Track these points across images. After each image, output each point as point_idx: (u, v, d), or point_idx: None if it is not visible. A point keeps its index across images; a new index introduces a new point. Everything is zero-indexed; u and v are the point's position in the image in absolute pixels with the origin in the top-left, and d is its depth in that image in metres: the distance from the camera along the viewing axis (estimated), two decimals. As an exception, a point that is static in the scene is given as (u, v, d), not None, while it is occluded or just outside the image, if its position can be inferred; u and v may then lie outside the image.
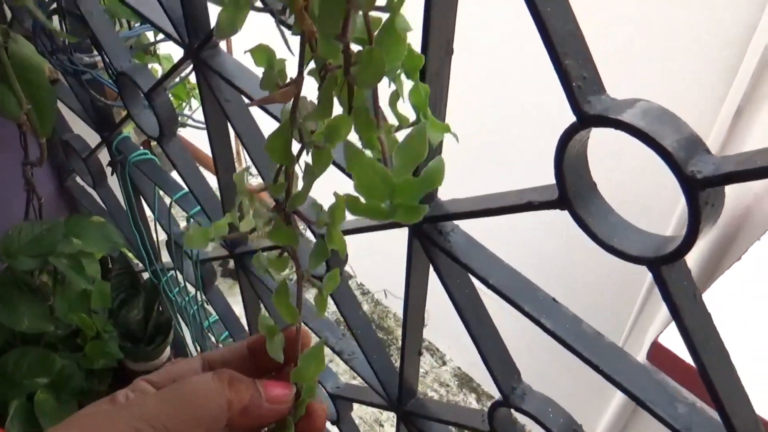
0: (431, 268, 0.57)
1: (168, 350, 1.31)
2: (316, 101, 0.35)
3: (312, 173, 0.37)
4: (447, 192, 0.52)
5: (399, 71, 0.30)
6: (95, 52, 0.89)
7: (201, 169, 1.55)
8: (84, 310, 1.25)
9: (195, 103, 1.25)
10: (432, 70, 0.44)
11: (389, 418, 1.93)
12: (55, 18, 0.86)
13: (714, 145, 1.59)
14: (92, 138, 1.12)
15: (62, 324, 1.25)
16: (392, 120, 0.33)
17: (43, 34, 0.87)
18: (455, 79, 0.47)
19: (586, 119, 0.37)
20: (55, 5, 0.84)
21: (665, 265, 0.38)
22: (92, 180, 1.12)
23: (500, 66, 1.77)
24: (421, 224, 0.53)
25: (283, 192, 0.39)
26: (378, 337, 0.74)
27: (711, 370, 0.39)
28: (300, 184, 0.40)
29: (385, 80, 0.31)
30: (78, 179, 1.28)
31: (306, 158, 0.37)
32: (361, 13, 0.28)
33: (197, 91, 1.05)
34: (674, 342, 1.67)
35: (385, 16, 0.29)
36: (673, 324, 1.62)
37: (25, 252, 1.10)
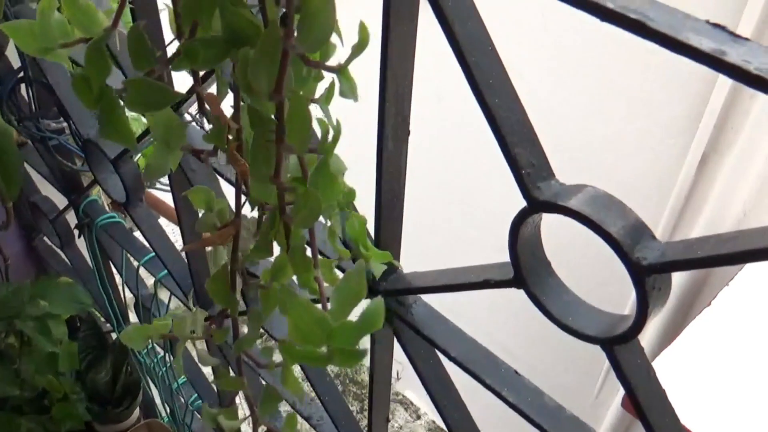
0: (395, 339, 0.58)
1: (137, 411, 1.29)
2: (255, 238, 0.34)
3: (258, 317, 0.36)
4: (407, 262, 0.53)
5: (335, 209, 0.30)
6: (62, 119, 0.89)
7: (170, 225, 1.55)
8: (51, 372, 1.23)
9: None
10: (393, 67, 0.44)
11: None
12: (23, 86, 0.87)
13: (681, 193, 1.62)
14: (60, 199, 1.11)
15: (28, 386, 1.23)
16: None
17: (10, 101, 0.87)
18: (412, 154, 0.48)
19: (535, 205, 0.37)
20: (21, 74, 0.85)
21: (618, 345, 0.38)
22: (60, 241, 1.11)
23: (456, 145, 1.80)
24: (384, 296, 0.54)
25: (223, 339, 0.38)
26: (346, 404, 0.73)
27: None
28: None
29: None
30: (46, 239, 1.27)
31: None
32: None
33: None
34: (663, 372, 1.68)
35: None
36: (662, 354, 1.61)
37: (-10, 315, 1.09)
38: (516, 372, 0.50)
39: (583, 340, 0.40)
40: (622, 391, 2.00)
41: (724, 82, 1.37)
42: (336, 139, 0.27)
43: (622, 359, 0.39)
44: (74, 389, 1.23)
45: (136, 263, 0.97)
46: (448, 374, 0.57)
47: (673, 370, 1.62)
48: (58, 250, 1.26)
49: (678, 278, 1.88)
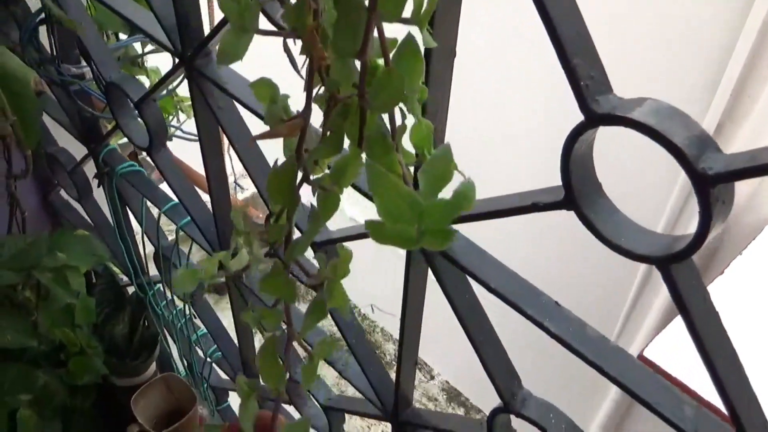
0: (429, 277, 0.57)
1: (153, 366, 1.29)
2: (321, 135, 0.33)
3: (317, 219, 0.34)
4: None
5: (416, 95, 0.28)
6: (83, 63, 0.88)
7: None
8: (68, 326, 1.23)
9: (182, 116, 1.25)
10: (435, 73, 0.44)
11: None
12: (43, 29, 0.86)
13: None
14: (77, 151, 1.10)
15: (45, 339, 1.23)
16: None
17: (31, 45, 0.86)
18: (457, 80, 0.47)
19: (594, 118, 0.37)
20: (42, 15, 0.83)
21: (675, 264, 0.38)
22: (77, 193, 1.11)
23: (503, 68, 1.77)
24: (422, 229, 0.53)
25: (282, 236, 0.36)
26: (372, 348, 0.73)
27: (719, 367, 0.39)
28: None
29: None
30: (62, 193, 1.27)
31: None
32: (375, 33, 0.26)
33: (185, 104, 1.04)
34: (659, 355, 1.68)
35: (397, 36, 0.27)
36: (657, 338, 1.63)
37: (8, 266, 1.09)
38: (557, 303, 0.49)
39: (636, 260, 0.39)
40: (637, 346, 2.01)
41: (743, 50, 1.36)
42: (431, 7, 0.25)
43: (678, 279, 0.38)
44: (91, 343, 1.23)
45: (156, 213, 0.96)
46: (484, 309, 0.56)
47: (685, 340, 1.61)
48: (75, 204, 1.26)
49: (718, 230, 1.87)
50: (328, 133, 0.31)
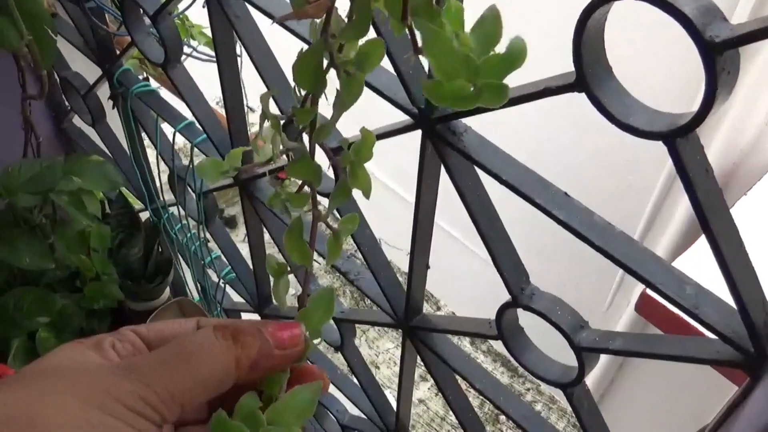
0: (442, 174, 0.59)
1: (167, 291, 1.32)
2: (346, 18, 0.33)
3: (342, 103, 0.35)
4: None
5: None
6: (97, -20, 0.89)
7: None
8: (83, 252, 1.26)
9: (194, 43, 1.26)
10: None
11: (389, 346, 1.94)
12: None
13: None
14: (91, 76, 1.11)
15: (61, 266, 1.26)
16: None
17: (46, -40, 0.86)
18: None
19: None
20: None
21: (680, 138, 0.39)
22: (91, 118, 1.12)
23: None
24: (434, 125, 0.55)
25: (309, 119, 0.36)
26: (385, 256, 0.75)
27: (720, 240, 0.41)
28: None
29: None
30: (75, 121, 1.28)
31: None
32: None
33: (196, 30, 1.05)
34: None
35: None
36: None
37: (25, 189, 1.11)
38: (566, 194, 0.51)
39: (644, 138, 0.41)
40: (635, 297, 2.04)
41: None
42: None
43: (683, 153, 0.40)
44: (106, 269, 1.26)
45: (169, 137, 0.98)
46: (494, 207, 0.58)
47: (700, 266, 1.64)
48: (88, 132, 1.27)
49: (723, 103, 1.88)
50: (354, 16, 0.32)
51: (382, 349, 1.51)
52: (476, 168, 0.56)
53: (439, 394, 1.50)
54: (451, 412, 1.45)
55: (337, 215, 0.58)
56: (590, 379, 2.15)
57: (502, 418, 1.43)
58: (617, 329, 1.83)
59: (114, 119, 1.20)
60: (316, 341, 0.40)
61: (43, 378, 0.32)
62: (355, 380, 1.02)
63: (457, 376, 0.76)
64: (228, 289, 1.18)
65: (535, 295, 0.58)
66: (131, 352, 0.36)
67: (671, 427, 1.76)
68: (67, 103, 1.20)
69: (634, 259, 0.48)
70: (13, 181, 1.10)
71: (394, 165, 2.13)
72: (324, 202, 0.41)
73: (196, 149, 0.92)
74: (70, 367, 0.33)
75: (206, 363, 0.34)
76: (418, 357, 0.79)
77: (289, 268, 0.41)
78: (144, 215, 1.26)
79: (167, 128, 1.02)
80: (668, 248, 1.97)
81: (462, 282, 2.08)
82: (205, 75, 1.03)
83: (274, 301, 1.08)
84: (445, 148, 0.55)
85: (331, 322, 0.90)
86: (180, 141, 0.97)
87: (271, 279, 0.42)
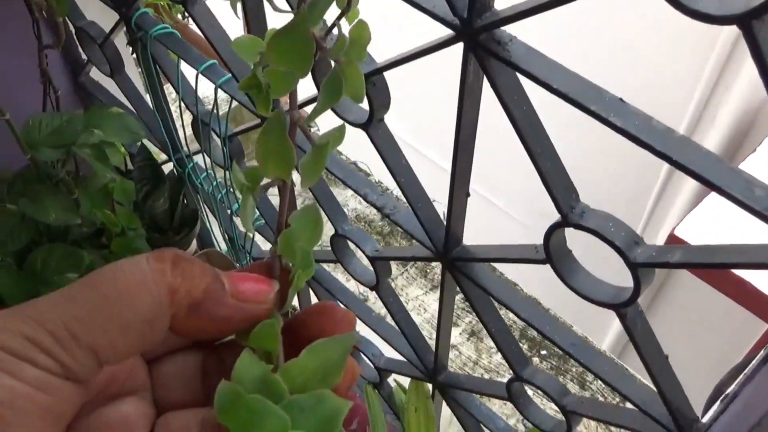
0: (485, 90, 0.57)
1: (194, 243, 1.31)
2: None
3: None
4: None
5: None
6: None
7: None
8: (107, 207, 1.25)
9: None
10: None
11: (419, 293, 1.94)
12: None
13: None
14: (107, 24, 1.09)
15: (86, 221, 1.25)
16: None
17: None
18: None
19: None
20: None
21: (756, 20, 0.37)
22: (110, 68, 1.10)
23: None
24: (477, 36, 0.52)
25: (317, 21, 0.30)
26: (422, 187, 0.73)
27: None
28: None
29: None
30: (92, 74, 1.26)
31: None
32: None
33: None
34: (689, 234, 1.69)
35: None
36: (688, 217, 1.63)
37: (47, 143, 1.09)
38: (621, 99, 0.49)
39: (717, 23, 0.38)
40: (662, 239, 2.01)
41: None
42: None
43: (760, 36, 0.37)
44: (132, 223, 1.25)
45: (193, 79, 0.95)
46: (541, 123, 0.56)
47: (715, 219, 1.62)
48: (106, 84, 1.26)
49: (726, 119, 1.85)
50: None
51: (411, 296, 1.50)
52: (522, 81, 0.53)
53: (471, 338, 1.49)
54: (483, 356, 1.45)
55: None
56: (615, 327, 2.14)
57: (544, 352, 1.42)
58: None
59: (131, 70, 1.18)
60: (307, 272, 0.32)
61: None
62: (391, 322, 1.01)
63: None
64: (257, 237, 1.17)
65: (586, 213, 0.56)
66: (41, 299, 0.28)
67: (699, 367, 1.75)
68: (83, 56, 1.18)
69: (697, 163, 0.46)
70: (34, 136, 1.09)
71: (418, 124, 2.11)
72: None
73: (220, 92, 0.90)
74: None
75: (126, 290, 0.25)
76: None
77: (263, 180, 0.33)
78: (167, 167, 1.24)
79: (189, 75, 0.99)
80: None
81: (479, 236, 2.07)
82: (224, 15, 1.00)
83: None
84: (489, 59, 0.53)
85: (366, 262, 0.89)
86: (202, 89, 0.95)
87: (239, 196, 0.34)
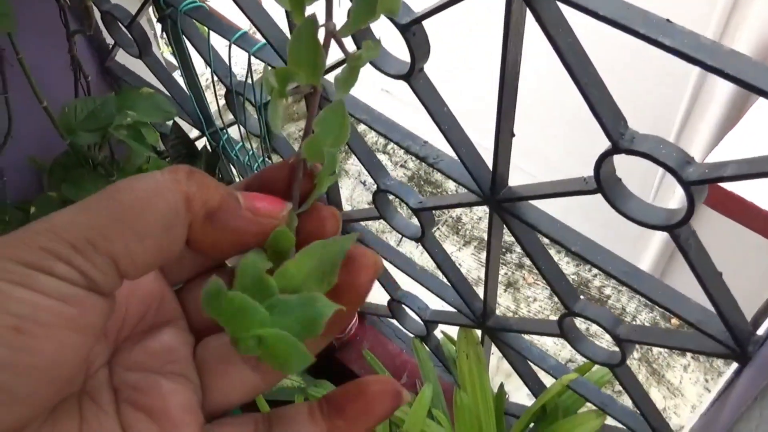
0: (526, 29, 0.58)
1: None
2: None
3: None
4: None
5: None
6: None
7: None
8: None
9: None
10: None
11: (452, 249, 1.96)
12: None
13: None
14: (131, 6, 1.11)
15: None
16: None
17: None
18: None
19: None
20: None
21: None
22: (138, 49, 1.11)
23: None
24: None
25: None
26: (465, 133, 0.75)
27: None
28: None
29: None
30: (118, 58, 1.28)
31: None
32: None
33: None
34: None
35: None
36: (716, 148, 1.63)
37: (83, 127, 1.12)
38: (668, 20, 0.50)
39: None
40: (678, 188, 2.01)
41: None
42: None
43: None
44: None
45: (226, 51, 0.97)
46: (587, 53, 0.57)
47: (744, 148, 1.63)
48: (132, 67, 1.27)
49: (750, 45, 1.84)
50: None
51: (445, 253, 1.53)
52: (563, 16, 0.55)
53: (508, 289, 1.51)
54: (522, 305, 1.47)
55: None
56: (646, 261, 2.14)
57: (593, 284, 1.44)
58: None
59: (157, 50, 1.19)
60: (331, 175, 0.31)
61: None
62: (436, 274, 1.04)
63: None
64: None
65: (636, 138, 0.58)
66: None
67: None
68: (109, 40, 1.20)
69: (748, 74, 0.47)
70: (71, 121, 1.11)
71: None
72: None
73: (255, 60, 0.91)
74: None
75: (142, 197, 0.25)
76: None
77: (292, 85, 0.31)
78: (199, 143, 1.26)
79: (218, 47, 1.01)
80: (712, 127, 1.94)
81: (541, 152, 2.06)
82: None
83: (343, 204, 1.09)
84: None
85: (409, 212, 0.91)
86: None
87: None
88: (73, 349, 0.24)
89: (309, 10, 0.30)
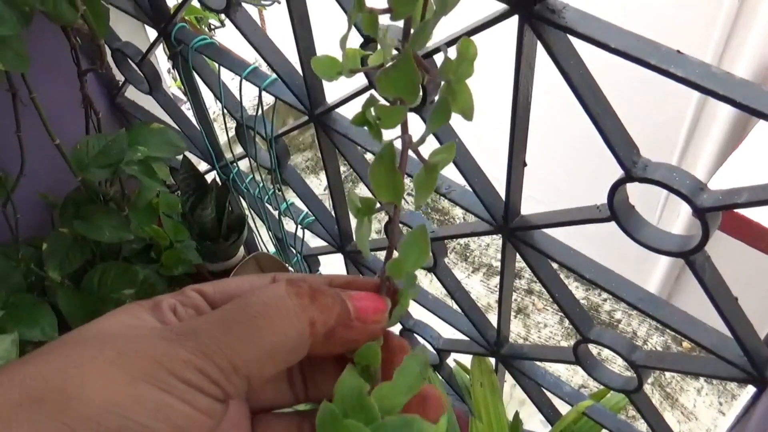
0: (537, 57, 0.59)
1: (242, 249, 1.34)
2: None
3: (444, 4, 0.30)
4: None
5: None
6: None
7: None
8: (154, 222, 1.28)
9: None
10: None
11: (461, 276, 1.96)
12: None
13: None
14: (141, 44, 1.12)
15: (136, 238, 1.28)
16: None
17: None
18: None
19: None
20: None
21: None
22: (148, 85, 1.13)
23: None
24: (532, 6, 0.54)
25: (410, 10, 0.30)
26: (477, 163, 0.76)
27: None
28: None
29: None
30: (127, 94, 1.29)
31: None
32: None
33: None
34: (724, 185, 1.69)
35: None
36: (719, 171, 1.63)
37: (95, 164, 1.13)
38: (678, 51, 0.51)
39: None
40: (683, 210, 2.02)
41: None
42: None
43: None
44: (179, 236, 1.28)
45: (234, 83, 0.98)
46: (598, 84, 0.58)
47: (745, 174, 1.63)
48: (142, 103, 1.29)
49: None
50: None
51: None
52: (573, 46, 0.56)
53: (518, 315, 1.51)
54: (532, 331, 1.47)
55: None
56: (652, 285, 2.14)
57: (603, 308, 1.44)
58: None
59: (165, 84, 1.20)
60: (413, 292, 0.34)
61: (85, 345, 0.26)
62: (448, 302, 1.04)
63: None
64: (306, 236, 1.20)
65: (649, 167, 0.58)
66: (193, 316, 0.31)
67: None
68: (119, 77, 1.22)
69: (761, 102, 0.48)
70: (83, 158, 1.12)
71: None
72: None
73: (264, 95, 0.92)
74: (119, 334, 0.27)
75: (275, 326, 0.28)
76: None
77: (376, 205, 0.35)
78: (209, 176, 1.27)
79: (227, 83, 1.03)
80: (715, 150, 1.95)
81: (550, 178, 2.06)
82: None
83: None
84: (545, 28, 0.55)
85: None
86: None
87: (353, 220, 0.36)
88: None
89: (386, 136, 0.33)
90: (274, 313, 0.28)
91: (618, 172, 0.59)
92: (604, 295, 1.76)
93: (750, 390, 0.73)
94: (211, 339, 0.27)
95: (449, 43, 0.33)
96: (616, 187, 0.61)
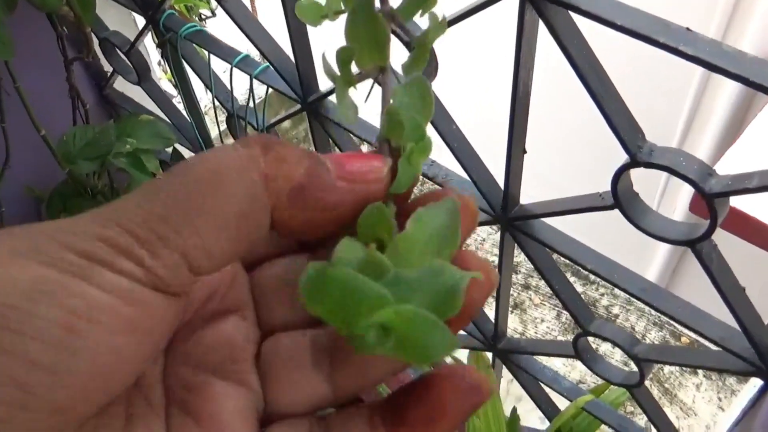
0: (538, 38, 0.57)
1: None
2: None
3: None
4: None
5: None
6: None
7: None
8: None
9: None
10: None
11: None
12: None
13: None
14: (129, 32, 1.10)
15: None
16: None
17: None
18: None
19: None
20: None
21: None
22: (137, 75, 1.10)
23: None
24: (535, -15, 0.52)
25: None
26: (475, 151, 0.73)
27: None
28: None
29: None
30: (116, 85, 1.27)
31: None
32: None
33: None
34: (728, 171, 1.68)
35: None
36: (722, 158, 1.61)
37: (82, 156, 1.10)
38: (687, 28, 0.49)
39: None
40: (679, 201, 2.00)
41: None
42: None
43: None
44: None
45: (225, 75, 0.96)
46: (603, 66, 0.56)
47: (748, 162, 1.61)
48: (131, 94, 1.26)
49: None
50: None
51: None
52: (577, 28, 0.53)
53: (515, 311, 1.49)
54: (529, 326, 1.45)
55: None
56: (653, 273, 2.12)
57: (600, 303, 1.42)
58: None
59: (155, 76, 1.18)
60: (421, 146, 0.25)
61: None
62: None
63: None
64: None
65: (655, 151, 0.56)
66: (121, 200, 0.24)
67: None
68: (107, 67, 1.19)
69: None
70: (70, 149, 1.09)
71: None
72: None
73: (256, 83, 0.90)
74: (40, 224, 0.21)
75: (214, 182, 0.21)
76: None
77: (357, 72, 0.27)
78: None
79: (218, 72, 1.00)
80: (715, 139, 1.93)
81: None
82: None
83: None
84: (547, 5, 0.53)
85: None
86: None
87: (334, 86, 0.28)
88: (126, 358, 0.20)
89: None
90: (213, 168, 0.21)
91: (616, 164, 0.57)
92: (602, 290, 1.75)
93: (752, 385, 0.71)
94: (129, 205, 0.21)
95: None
96: (620, 173, 0.59)
